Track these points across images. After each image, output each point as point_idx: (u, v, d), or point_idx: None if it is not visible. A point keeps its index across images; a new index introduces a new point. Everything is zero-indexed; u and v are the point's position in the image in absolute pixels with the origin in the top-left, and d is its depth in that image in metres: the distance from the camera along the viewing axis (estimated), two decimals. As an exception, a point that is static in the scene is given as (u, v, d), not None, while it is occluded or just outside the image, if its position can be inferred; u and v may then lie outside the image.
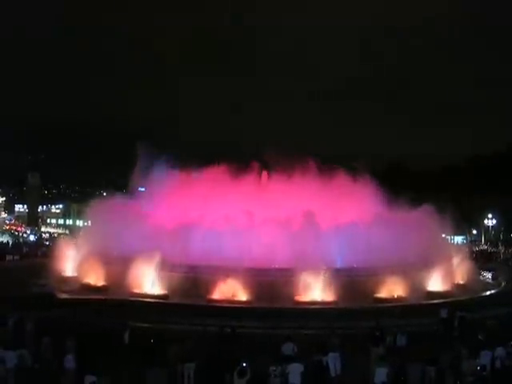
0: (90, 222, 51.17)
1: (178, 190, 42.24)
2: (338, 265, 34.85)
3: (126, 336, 22.76)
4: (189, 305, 30.59)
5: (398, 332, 23.89)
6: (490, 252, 72.40)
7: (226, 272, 31.96)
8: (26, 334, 22.75)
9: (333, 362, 20.36)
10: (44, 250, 59.39)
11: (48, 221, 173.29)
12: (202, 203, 40.13)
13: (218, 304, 31.28)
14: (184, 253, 34.41)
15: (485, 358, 19.72)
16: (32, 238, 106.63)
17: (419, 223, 39.16)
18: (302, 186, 42.64)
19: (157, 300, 32.24)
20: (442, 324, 27.46)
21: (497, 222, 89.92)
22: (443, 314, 28.12)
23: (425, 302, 33.58)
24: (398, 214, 40.24)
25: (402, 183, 45.92)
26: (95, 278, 35.79)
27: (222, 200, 40.24)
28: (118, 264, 35.34)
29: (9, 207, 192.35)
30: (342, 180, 43.30)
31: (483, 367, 18.78)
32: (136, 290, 33.28)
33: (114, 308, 28.56)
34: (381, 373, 18.30)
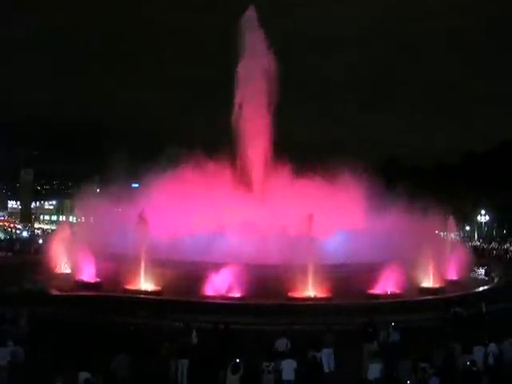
0: (82, 218, 51.04)
1: (173, 187, 42.12)
2: (332, 261, 34.82)
3: (194, 336, 22.49)
4: (182, 301, 30.56)
5: (390, 328, 23.93)
6: (483, 248, 72.64)
7: (220, 268, 31.94)
8: (19, 330, 22.68)
9: (326, 358, 20.39)
10: (37, 247, 59.20)
11: (41, 217, 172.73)
12: (194, 203, 39.97)
13: (211, 300, 31.28)
14: (177, 250, 34.39)
15: (478, 353, 19.78)
16: (25, 234, 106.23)
17: (413, 219, 39.27)
18: (298, 185, 42.81)
19: (150, 296, 32.21)
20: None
21: (490, 218, 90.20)
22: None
23: (418, 298, 33.76)
24: (392, 210, 40.31)
25: (397, 179, 46.06)
26: (88, 274, 35.69)
27: (216, 199, 40.14)
28: (112, 260, 35.33)
29: (2, 204, 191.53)
30: (338, 176, 43.25)
31: (473, 362, 18.82)
32: (129, 287, 33.27)
33: (107, 304, 28.54)
34: (374, 369, 18.33)
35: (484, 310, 28.85)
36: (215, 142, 45.90)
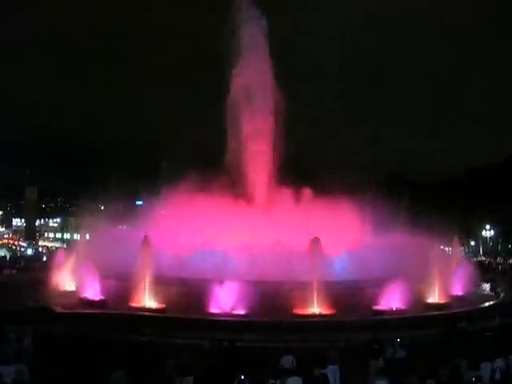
0: (87, 236, 51.12)
1: (176, 205, 42.19)
2: (337, 277, 34.77)
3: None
4: (186, 318, 30.51)
5: (396, 344, 23.80)
6: (489, 263, 72.40)
7: (224, 285, 31.89)
8: (23, 348, 22.65)
9: (332, 375, 20.26)
10: (41, 264, 59.16)
11: (45, 235, 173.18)
12: (198, 220, 39.95)
13: (215, 318, 31.20)
14: (181, 267, 34.43)
15: (485, 369, 19.63)
16: (29, 251, 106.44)
17: (417, 235, 39.27)
18: (302, 201, 42.90)
19: (155, 314, 32.17)
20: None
21: (495, 232, 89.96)
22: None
23: (423, 313, 33.62)
24: (397, 226, 40.32)
25: (401, 193, 46.10)
26: (93, 292, 35.67)
27: (219, 216, 40.10)
28: (116, 278, 35.34)
29: (6, 221, 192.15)
30: (341, 192, 43.26)
31: (479, 378, 18.68)
32: (134, 304, 33.24)
33: (112, 322, 28.50)
34: (380, 386, 18.20)
35: (497, 322, 28.71)
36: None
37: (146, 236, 34.71)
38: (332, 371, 20.29)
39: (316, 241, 33.80)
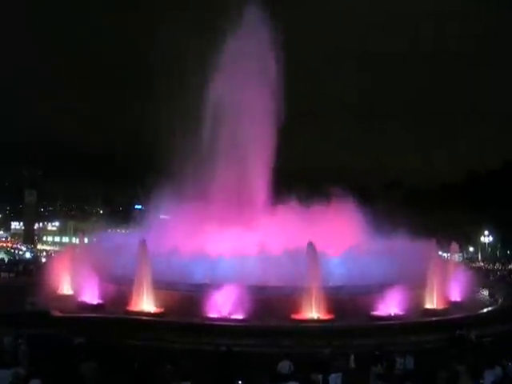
0: (85, 239, 51.09)
1: (176, 210, 42.14)
2: (335, 283, 34.71)
3: (352, 361, 22.32)
4: (184, 323, 30.44)
5: (407, 356, 23.45)
6: (487, 269, 72.36)
7: (222, 290, 31.82)
8: (20, 351, 22.61)
9: (333, 381, 20.20)
10: (39, 268, 58.92)
11: (44, 238, 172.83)
12: (197, 225, 39.88)
13: (214, 322, 31.13)
14: (180, 272, 34.39)
15: (488, 377, 19.53)
16: (28, 255, 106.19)
17: (416, 241, 39.28)
18: (301, 208, 42.90)
19: (153, 318, 32.10)
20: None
21: (493, 238, 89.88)
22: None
23: (422, 319, 33.57)
24: (396, 232, 40.34)
25: (400, 200, 46.13)
26: (91, 296, 35.61)
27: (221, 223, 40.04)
28: (114, 282, 35.29)
29: (5, 224, 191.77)
30: (341, 199, 43.25)
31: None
32: (132, 309, 33.18)
33: (109, 326, 28.44)
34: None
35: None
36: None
37: (143, 240, 34.61)
38: (333, 378, 20.24)
39: (311, 245, 33.65)
